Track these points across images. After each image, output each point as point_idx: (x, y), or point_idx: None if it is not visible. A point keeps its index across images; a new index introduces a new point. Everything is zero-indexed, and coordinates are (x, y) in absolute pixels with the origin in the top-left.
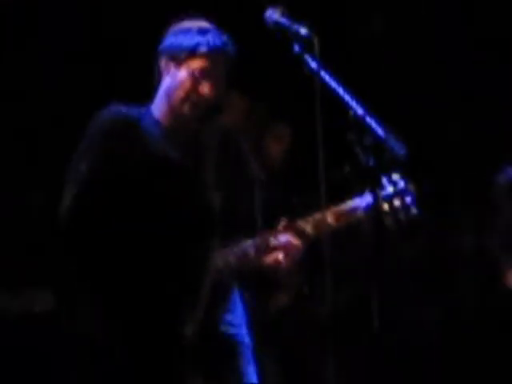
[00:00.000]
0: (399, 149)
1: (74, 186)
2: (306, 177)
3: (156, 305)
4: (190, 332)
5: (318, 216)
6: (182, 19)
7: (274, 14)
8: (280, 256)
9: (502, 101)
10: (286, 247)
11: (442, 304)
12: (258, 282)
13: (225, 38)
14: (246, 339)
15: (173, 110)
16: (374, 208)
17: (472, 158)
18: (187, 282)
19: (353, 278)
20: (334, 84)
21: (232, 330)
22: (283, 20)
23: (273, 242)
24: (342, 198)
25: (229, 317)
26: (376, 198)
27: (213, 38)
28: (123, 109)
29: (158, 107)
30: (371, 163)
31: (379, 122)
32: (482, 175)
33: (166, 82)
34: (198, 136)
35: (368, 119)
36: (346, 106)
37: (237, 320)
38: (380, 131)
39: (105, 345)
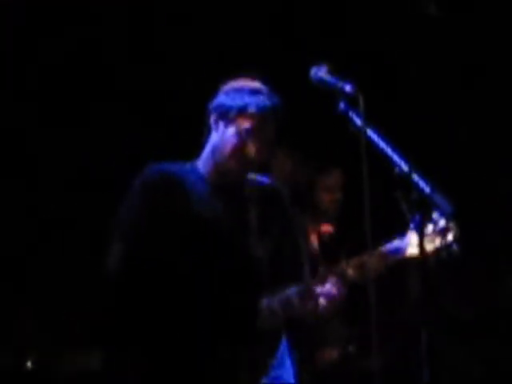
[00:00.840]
0: (445, 206)
1: (121, 241)
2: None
3: (207, 365)
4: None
5: (358, 258)
6: (235, 78)
7: (319, 72)
8: (321, 301)
9: None
10: (328, 292)
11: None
12: (305, 334)
13: (275, 99)
14: None
15: (218, 166)
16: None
17: None
18: (234, 334)
19: (401, 332)
20: (379, 141)
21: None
22: (328, 77)
23: (316, 289)
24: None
25: (278, 371)
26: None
27: (263, 100)
28: (167, 166)
29: (204, 164)
30: (418, 221)
31: (425, 179)
32: None
33: (214, 140)
34: (243, 190)
35: (414, 176)
36: (391, 163)
37: (285, 374)
38: (426, 188)
39: None
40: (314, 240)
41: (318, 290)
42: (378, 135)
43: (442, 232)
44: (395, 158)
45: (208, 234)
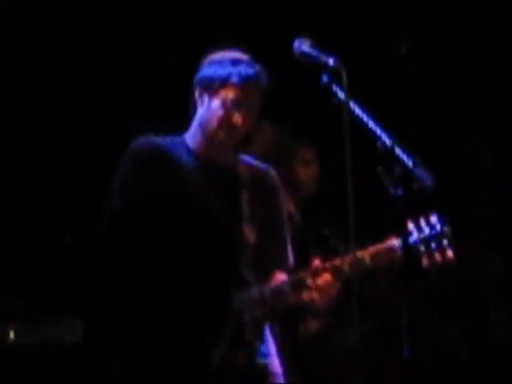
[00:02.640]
0: (428, 179)
1: (110, 207)
2: (335, 207)
3: (180, 339)
4: (214, 364)
5: (355, 255)
6: (217, 49)
7: (302, 45)
8: (316, 296)
9: None
10: (323, 288)
11: (472, 332)
12: (288, 313)
13: (258, 68)
14: (278, 369)
15: (207, 139)
16: (409, 248)
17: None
18: (213, 313)
19: (382, 306)
20: (362, 115)
21: (265, 360)
22: (311, 50)
23: (309, 282)
24: (374, 230)
25: (263, 348)
26: (409, 239)
27: (245, 69)
28: (155, 139)
29: (193, 137)
30: (400, 193)
31: (408, 153)
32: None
33: (200, 113)
34: (233, 168)
35: (396, 150)
36: (374, 137)
37: (268, 350)
38: (408, 161)
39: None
40: (294, 213)
41: (312, 283)
42: (361, 109)
43: (438, 236)
44: (378, 131)
45: (196, 210)
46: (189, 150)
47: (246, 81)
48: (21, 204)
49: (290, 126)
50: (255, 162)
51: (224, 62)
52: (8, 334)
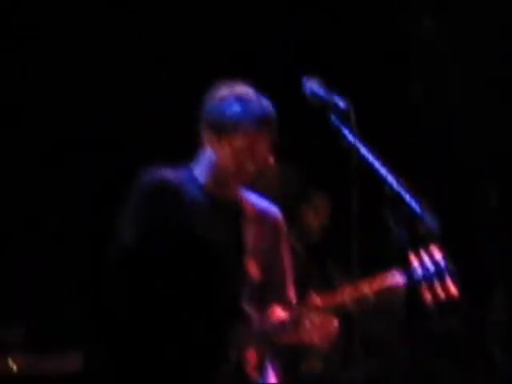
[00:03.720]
0: (433, 223)
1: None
2: (340, 249)
3: (177, 374)
4: None
5: (358, 290)
6: (222, 83)
7: (312, 85)
8: (315, 337)
9: None
10: (322, 327)
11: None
12: (290, 350)
13: (267, 106)
14: None
15: (217, 179)
16: (413, 285)
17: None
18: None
19: (387, 347)
20: (370, 157)
21: None
22: (321, 91)
23: (307, 319)
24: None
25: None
26: (413, 276)
27: (256, 110)
28: (165, 173)
29: (203, 173)
30: (404, 237)
31: (414, 197)
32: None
33: (211, 153)
34: (240, 204)
35: (403, 193)
36: (381, 180)
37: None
38: (415, 206)
39: None
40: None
41: (309, 321)
42: (369, 151)
43: (441, 273)
44: (386, 175)
45: (208, 251)
46: (198, 186)
47: (258, 125)
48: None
49: (301, 167)
50: (262, 201)
51: (232, 100)
52: (11, 367)
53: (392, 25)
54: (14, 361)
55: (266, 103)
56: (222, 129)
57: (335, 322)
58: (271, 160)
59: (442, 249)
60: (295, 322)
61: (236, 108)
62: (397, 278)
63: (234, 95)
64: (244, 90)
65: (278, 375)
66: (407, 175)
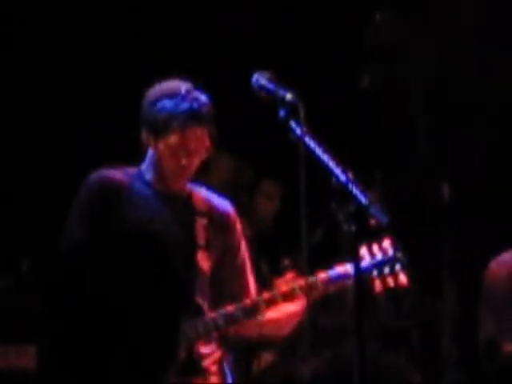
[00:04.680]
0: (383, 216)
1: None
2: (292, 240)
3: (128, 369)
4: None
5: (309, 280)
6: (161, 78)
7: (260, 79)
8: (269, 329)
9: None
10: (288, 316)
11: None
12: (244, 343)
13: (196, 99)
14: None
15: (159, 175)
16: (362, 274)
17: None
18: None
19: (337, 340)
20: (318, 150)
21: None
22: (269, 85)
23: (261, 311)
24: (328, 262)
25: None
26: (362, 266)
27: (185, 106)
28: (112, 172)
29: (147, 171)
30: (353, 230)
31: (362, 189)
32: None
33: (150, 155)
34: (188, 198)
35: (351, 186)
36: (329, 173)
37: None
38: (363, 198)
39: None
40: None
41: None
42: (318, 144)
43: (391, 261)
44: (333, 168)
45: (155, 241)
46: (145, 182)
47: (187, 122)
48: None
49: (251, 158)
50: (212, 195)
51: (162, 99)
52: None
53: (344, 15)
54: None
55: (197, 96)
56: (156, 128)
57: (299, 311)
58: (207, 152)
59: (393, 241)
60: (248, 310)
61: (165, 106)
62: (345, 268)
63: (164, 93)
64: (175, 86)
65: (232, 374)
66: (357, 168)
